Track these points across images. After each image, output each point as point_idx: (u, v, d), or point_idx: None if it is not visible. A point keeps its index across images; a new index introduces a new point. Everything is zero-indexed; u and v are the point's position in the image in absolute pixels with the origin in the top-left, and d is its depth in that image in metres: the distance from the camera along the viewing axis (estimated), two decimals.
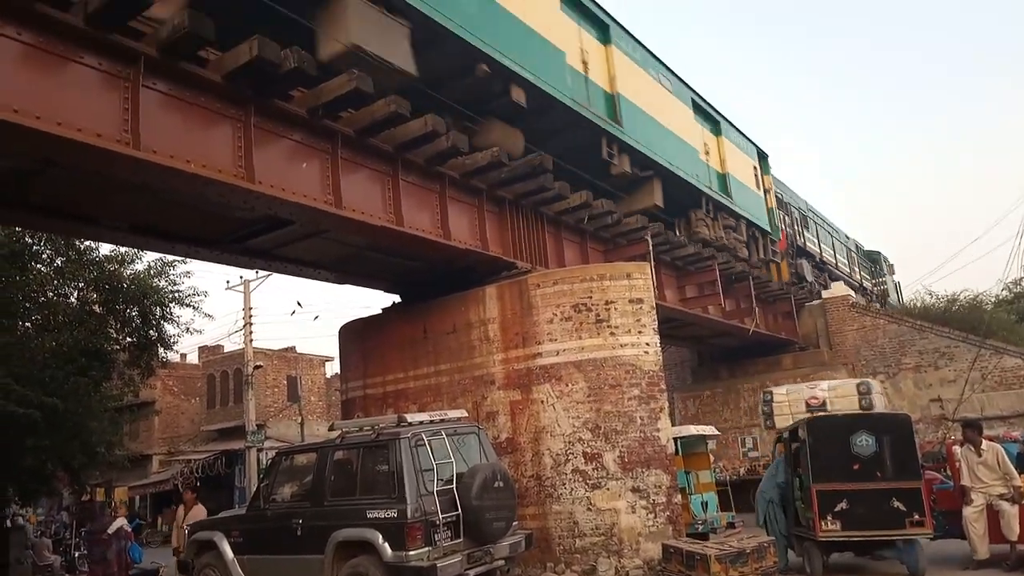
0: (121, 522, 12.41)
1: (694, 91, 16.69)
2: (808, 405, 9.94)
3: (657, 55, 14.95)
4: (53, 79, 6.48)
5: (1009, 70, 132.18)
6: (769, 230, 19.96)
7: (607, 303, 10.82)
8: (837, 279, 26.67)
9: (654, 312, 11.14)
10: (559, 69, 11.22)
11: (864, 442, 9.03)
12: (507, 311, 11.20)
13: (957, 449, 9.48)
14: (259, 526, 8.65)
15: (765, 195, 20.57)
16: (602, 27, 12.97)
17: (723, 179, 17.53)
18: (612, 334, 10.71)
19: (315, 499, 8.27)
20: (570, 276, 11.10)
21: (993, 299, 27.64)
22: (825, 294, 24.21)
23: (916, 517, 8.71)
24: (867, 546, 9.30)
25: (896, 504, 8.75)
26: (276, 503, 8.68)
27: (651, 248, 14.01)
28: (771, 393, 10.59)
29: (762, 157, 20.65)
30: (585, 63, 12.07)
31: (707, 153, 16.68)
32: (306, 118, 8.58)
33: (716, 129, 17.73)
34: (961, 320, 22.40)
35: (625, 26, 13.72)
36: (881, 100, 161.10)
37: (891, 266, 38.87)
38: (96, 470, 19.44)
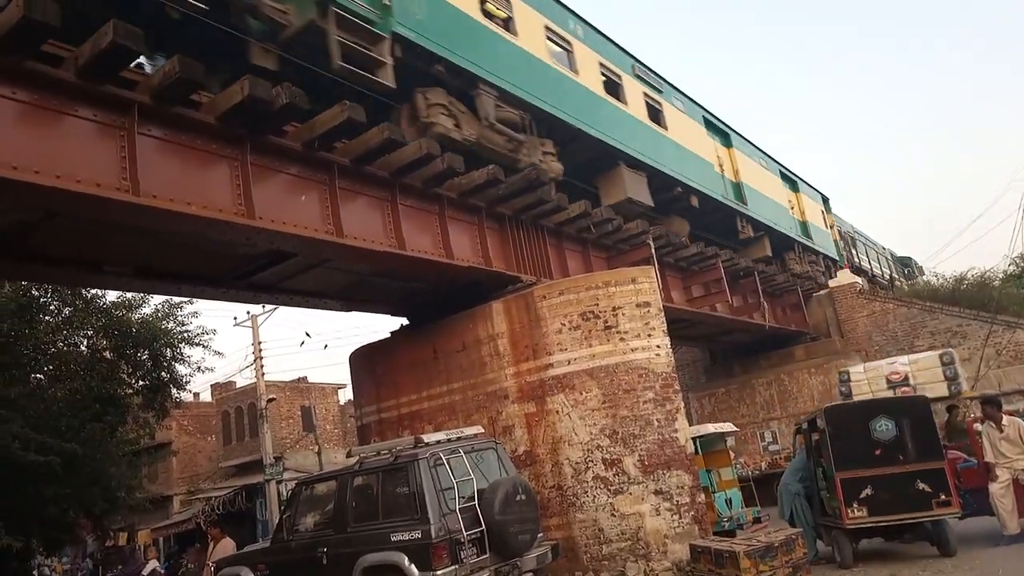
0: (153, 564, 12.49)
1: (780, 164, 22.56)
2: (889, 381, 9.89)
3: (755, 143, 20.77)
4: (49, 133, 6.58)
5: (999, 51, 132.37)
6: (837, 258, 25.62)
7: (614, 309, 10.84)
8: (885, 287, 29.08)
9: (662, 314, 11.16)
10: (712, 176, 17.07)
11: (884, 427, 9.05)
12: (515, 325, 11.23)
13: (979, 426, 9.45)
14: (284, 557, 8.65)
15: (830, 230, 26.35)
16: (725, 136, 18.98)
17: (804, 226, 23.28)
18: (622, 339, 10.72)
19: (338, 526, 8.28)
20: (575, 285, 11.13)
21: (1001, 275, 27.49)
22: (832, 283, 24.17)
23: (943, 497, 8.73)
24: (895, 530, 9.30)
25: (921, 486, 8.78)
26: (300, 533, 8.69)
27: (654, 251, 14.03)
28: (847, 372, 10.51)
29: (825, 200, 26.12)
30: (721, 165, 17.84)
31: (792, 208, 22.26)
32: (301, 151, 8.67)
33: (795, 187, 23.38)
34: (971, 298, 22.31)
35: (739, 131, 19.74)
36: (867, 86, 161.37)
37: (920, 267, 40.82)
38: (118, 514, 19.51)
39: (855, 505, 8.92)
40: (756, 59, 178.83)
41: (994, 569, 7.94)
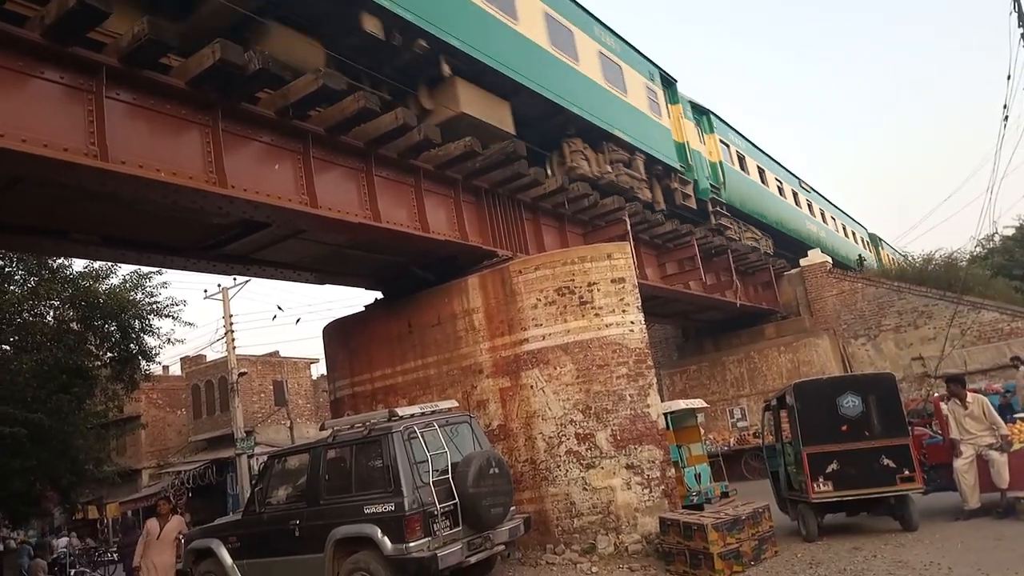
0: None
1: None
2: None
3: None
4: (15, 95, 6.37)
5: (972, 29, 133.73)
6: (679, 167, 17.36)
7: (590, 285, 10.86)
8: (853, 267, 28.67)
9: (637, 291, 11.21)
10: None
11: (850, 403, 9.20)
12: (491, 300, 11.22)
13: (944, 404, 9.66)
14: (256, 530, 8.63)
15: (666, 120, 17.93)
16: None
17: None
18: (597, 315, 10.76)
19: (311, 499, 8.27)
20: (551, 260, 11.13)
21: (967, 256, 28.08)
22: (803, 262, 24.49)
23: (906, 473, 8.93)
24: (860, 505, 9.49)
25: (886, 462, 8.95)
26: (272, 506, 8.67)
27: (630, 228, 14.07)
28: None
29: (667, 83, 18.31)
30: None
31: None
32: (275, 119, 8.51)
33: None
34: (938, 279, 22.76)
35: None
36: (842, 66, 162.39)
37: (888, 245, 41.76)
38: (86, 487, 19.32)
39: (821, 479, 9.07)
40: (728, 35, 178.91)
41: (954, 543, 8.16)
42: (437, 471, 7.85)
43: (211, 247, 10.28)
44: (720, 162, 19.97)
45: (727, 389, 23.95)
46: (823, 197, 31.77)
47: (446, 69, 10.44)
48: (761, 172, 24.11)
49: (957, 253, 26.43)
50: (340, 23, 9.08)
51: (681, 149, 17.85)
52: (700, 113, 20.15)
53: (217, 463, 26.55)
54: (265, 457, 11.14)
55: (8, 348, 15.54)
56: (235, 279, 23.75)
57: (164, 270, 15.71)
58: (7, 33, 6.27)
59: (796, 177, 28.36)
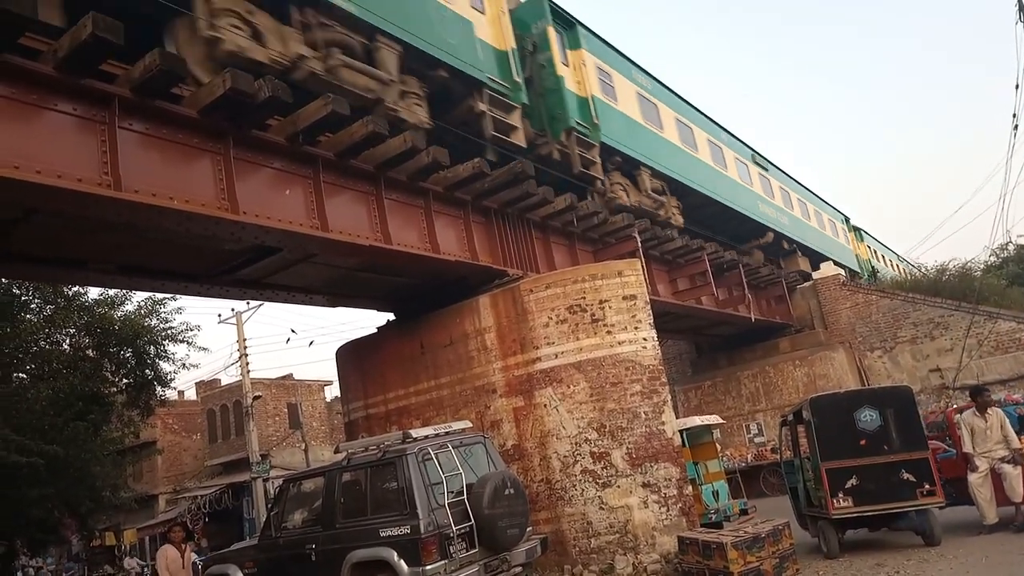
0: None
1: None
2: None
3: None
4: (29, 128, 6.48)
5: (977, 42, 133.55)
6: (487, 80, 11.42)
7: (601, 302, 10.84)
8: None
9: (648, 307, 11.18)
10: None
11: (868, 417, 9.10)
12: (502, 319, 11.21)
13: (957, 417, 9.54)
14: (273, 555, 8.61)
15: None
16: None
17: None
18: (609, 332, 10.73)
19: (327, 522, 8.24)
20: (562, 279, 11.12)
21: (982, 265, 27.84)
22: (816, 275, 24.37)
23: (927, 487, 8.81)
24: (881, 520, 9.36)
25: (906, 476, 8.85)
26: (288, 530, 8.64)
27: (640, 244, 14.06)
28: None
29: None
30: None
31: None
32: (286, 145, 8.59)
33: None
34: (952, 289, 22.56)
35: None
36: (851, 80, 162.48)
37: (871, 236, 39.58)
38: (103, 514, 19.36)
39: (840, 495, 8.97)
40: (742, 52, 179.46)
41: (978, 558, 8.03)
42: (452, 493, 7.81)
43: (224, 273, 10.35)
44: (592, 96, 13.76)
45: (743, 404, 23.77)
46: (788, 175, 25.77)
47: None
48: (683, 126, 17.96)
49: (971, 263, 26.24)
50: None
51: (503, 59, 12.02)
52: (564, 24, 13.98)
53: (233, 487, 26.57)
54: (280, 481, 11.13)
55: (25, 376, 15.69)
56: (248, 303, 23.90)
57: (179, 296, 15.81)
58: (21, 67, 6.38)
59: (748, 147, 22.40)
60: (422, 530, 7.36)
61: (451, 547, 7.51)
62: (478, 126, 11.19)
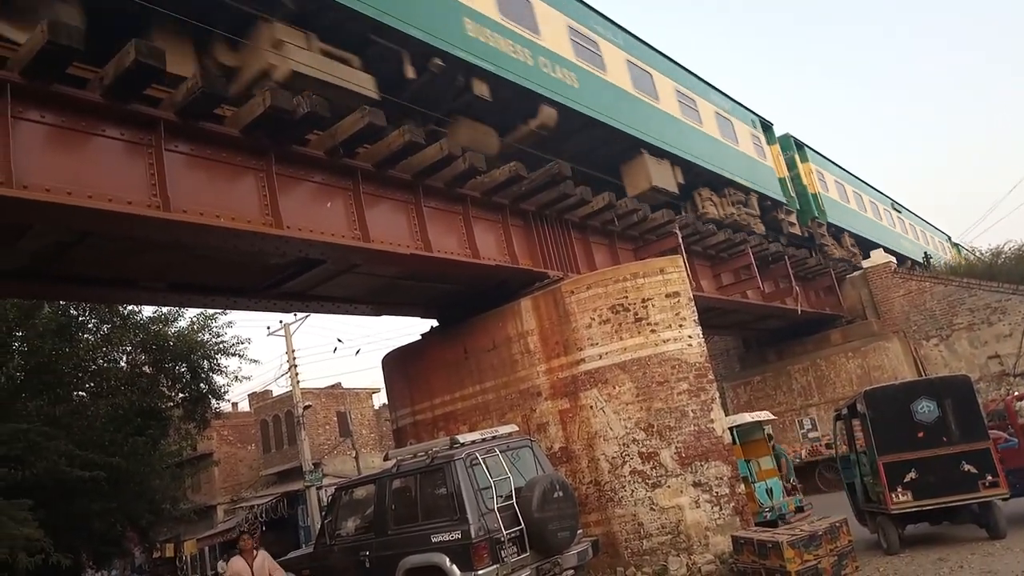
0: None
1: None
2: None
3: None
4: (79, 154, 6.71)
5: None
6: (784, 200, 19.91)
7: (644, 301, 10.76)
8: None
9: (692, 304, 11.05)
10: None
11: (925, 408, 8.92)
12: (544, 321, 11.21)
13: (1019, 404, 9.22)
14: (328, 562, 8.74)
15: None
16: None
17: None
18: (653, 331, 10.64)
19: (379, 529, 8.33)
20: (603, 279, 11.07)
21: None
22: (865, 263, 23.79)
23: (989, 478, 8.56)
24: (942, 514, 9.15)
25: (967, 467, 8.64)
26: (341, 538, 8.77)
27: (681, 241, 13.91)
28: None
29: (766, 127, 21.02)
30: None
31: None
32: (325, 159, 8.74)
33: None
34: (1009, 272, 21.81)
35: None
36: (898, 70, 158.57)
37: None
38: (163, 526, 19.87)
39: (899, 489, 8.82)
40: (775, 49, 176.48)
41: (1019, 548, 7.74)
42: (501, 497, 7.82)
43: (271, 286, 10.57)
44: (818, 192, 22.11)
45: (794, 399, 23.32)
46: (912, 213, 34.22)
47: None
48: (858, 196, 26.65)
49: None
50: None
51: (784, 183, 20.36)
52: (797, 147, 22.31)
53: (288, 496, 27.03)
54: (333, 489, 11.27)
55: (84, 395, 16.19)
56: (295, 315, 24.33)
57: (228, 311, 16.18)
58: (69, 96, 6.62)
59: (888, 197, 30.84)
60: (473, 535, 7.39)
61: (502, 551, 7.52)
62: (777, 225, 19.31)
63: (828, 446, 17.68)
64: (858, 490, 10.39)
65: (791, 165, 21.34)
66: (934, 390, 9.13)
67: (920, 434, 8.88)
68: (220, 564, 17.06)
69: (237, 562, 7.76)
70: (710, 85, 18.02)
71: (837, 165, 25.46)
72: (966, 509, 8.91)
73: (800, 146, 22.31)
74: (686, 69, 17.08)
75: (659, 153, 14.17)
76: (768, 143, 20.52)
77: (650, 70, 15.17)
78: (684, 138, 15.40)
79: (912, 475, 8.80)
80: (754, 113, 20.32)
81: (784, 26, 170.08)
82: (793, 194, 20.69)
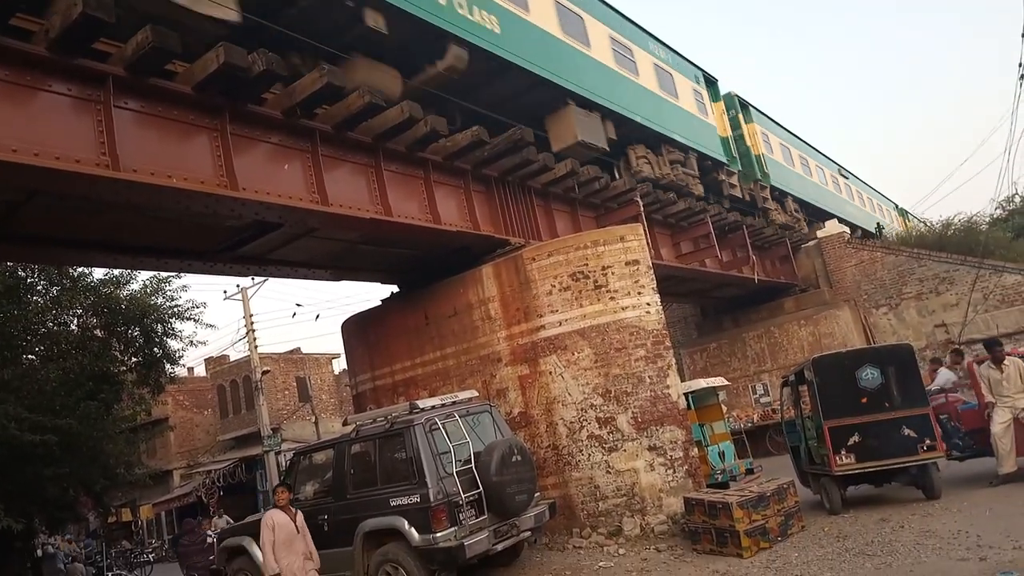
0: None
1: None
2: None
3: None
4: (24, 110, 6.45)
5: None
6: (725, 161, 18.51)
7: (604, 268, 10.85)
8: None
9: (652, 272, 11.18)
10: None
11: (870, 375, 9.24)
12: (505, 288, 11.24)
13: (981, 367, 9.61)
14: None
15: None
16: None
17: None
18: (612, 298, 10.75)
19: (338, 493, 8.38)
20: (564, 246, 11.12)
21: (988, 219, 27.66)
22: (820, 233, 24.25)
23: (928, 442, 8.96)
24: (882, 476, 9.54)
25: (907, 431, 9.01)
26: (300, 502, 8.78)
27: (642, 209, 14.00)
28: None
29: (710, 83, 19.45)
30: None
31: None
32: (282, 119, 8.54)
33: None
34: (958, 243, 22.44)
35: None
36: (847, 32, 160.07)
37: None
38: (119, 491, 19.63)
39: (843, 452, 9.17)
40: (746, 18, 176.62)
41: (982, 511, 8.12)
42: (460, 461, 7.92)
43: (227, 249, 10.37)
44: (762, 154, 20.97)
45: (748, 365, 23.85)
46: (860, 179, 33.64)
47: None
48: (804, 160, 25.87)
49: (977, 217, 26.04)
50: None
51: (726, 143, 19.07)
52: (742, 106, 21.10)
53: (246, 461, 26.92)
54: (292, 454, 11.27)
55: (34, 358, 15.79)
56: (253, 279, 23.98)
57: (183, 274, 15.84)
58: (13, 48, 6.34)
59: (835, 163, 30.26)
60: (431, 498, 7.48)
61: (460, 514, 7.64)
62: (718, 187, 18.27)
63: (775, 411, 18.18)
64: (803, 453, 10.76)
65: (735, 125, 20.09)
66: (879, 358, 9.44)
67: (864, 400, 9.19)
68: (216, 521, 16.92)
69: (278, 515, 7.27)
70: (649, 34, 16.35)
71: (783, 127, 24.48)
72: (904, 471, 9.30)
73: (745, 105, 21.20)
74: (623, 15, 15.30)
75: (588, 105, 12.65)
76: (712, 100, 19.08)
77: (582, 13, 13.50)
78: (617, 90, 13.86)
79: (855, 439, 9.12)
80: (697, 67, 18.68)
81: None
82: (735, 155, 19.29)
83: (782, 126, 24.44)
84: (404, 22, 9.13)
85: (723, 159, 18.28)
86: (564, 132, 12.33)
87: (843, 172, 30.85)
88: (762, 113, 22.59)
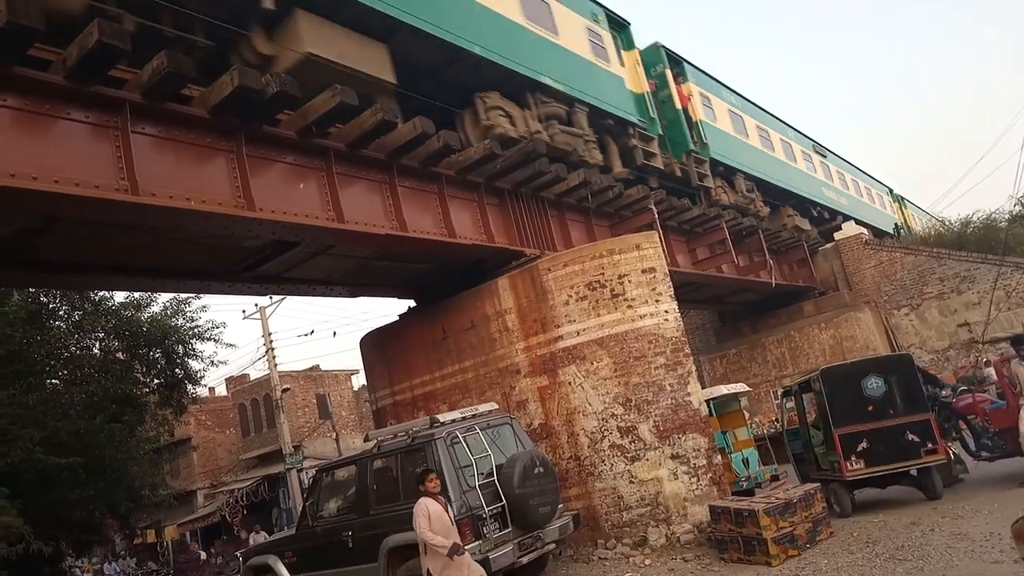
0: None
1: None
2: None
3: None
4: (44, 138, 6.56)
5: None
6: (637, 121, 14.68)
7: (620, 277, 10.81)
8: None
9: (668, 279, 11.13)
10: None
11: (874, 384, 9.74)
12: (522, 299, 11.23)
13: (1012, 365, 9.48)
14: (311, 543, 8.76)
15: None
16: None
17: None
18: (629, 307, 10.71)
19: (361, 509, 8.37)
20: (580, 256, 11.10)
21: (1007, 216, 27.32)
22: (837, 236, 24.10)
23: (929, 446, 9.37)
24: (887, 479, 9.93)
25: (910, 436, 9.46)
26: (324, 519, 8.79)
27: (656, 216, 13.97)
28: None
29: (618, 27, 15.62)
30: None
31: None
32: (297, 139, 8.63)
33: None
34: (978, 241, 22.24)
35: None
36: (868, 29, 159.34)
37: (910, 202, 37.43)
38: (143, 512, 19.78)
39: (853, 458, 9.63)
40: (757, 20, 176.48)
41: (1014, 512, 7.95)
42: (482, 474, 7.89)
43: (245, 269, 10.47)
44: (700, 120, 17.23)
45: (769, 370, 23.67)
46: (842, 159, 28.80)
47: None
48: (763, 132, 21.41)
49: (996, 214, 25.75)
50: None
51: (641, 101, 15.24)
52: (674, 62, 17.41)
53: (268, 479, 26.99)
54: (314, 471, 11.29)
55: (58, 382, 15.99)
56: (271, 298, 24.13)
57: (202, 295, 16.02)
58: (32, 79, 6.46)
59: (810, 139, 25.70)
60: (455, 512, 7.44)
61: (484, 528, 7.60)
62: (631, 156, 14.35)
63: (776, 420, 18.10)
64: (808, 460, 11.16)
65: (661, 83, 16.55)
66: (881, 368, 9.93)
67: (870, 408, 9.68)
68: (254, 537, 17.06)
69: (432, 503, 6.64)
70: None
71: (736, 93, 20.46)
72: (907, 474, 9.79)
73: (676, 61, 17.39)
74: None
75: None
76: (622, 48, 15.35)
77: None
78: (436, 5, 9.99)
79: (864, 445, 9.61)
80: (597, 3, 14.89)
81: None
82: (655, 117, 15.32)
83: (734, 91, 20.43)
84: None
85: (631, 118, 14.43)
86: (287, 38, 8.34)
87: (819, 149, 26.35)
88: (703, 72, 18.71)
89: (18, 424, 12.00)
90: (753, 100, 21.80)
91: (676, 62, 17.45)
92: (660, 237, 11.73)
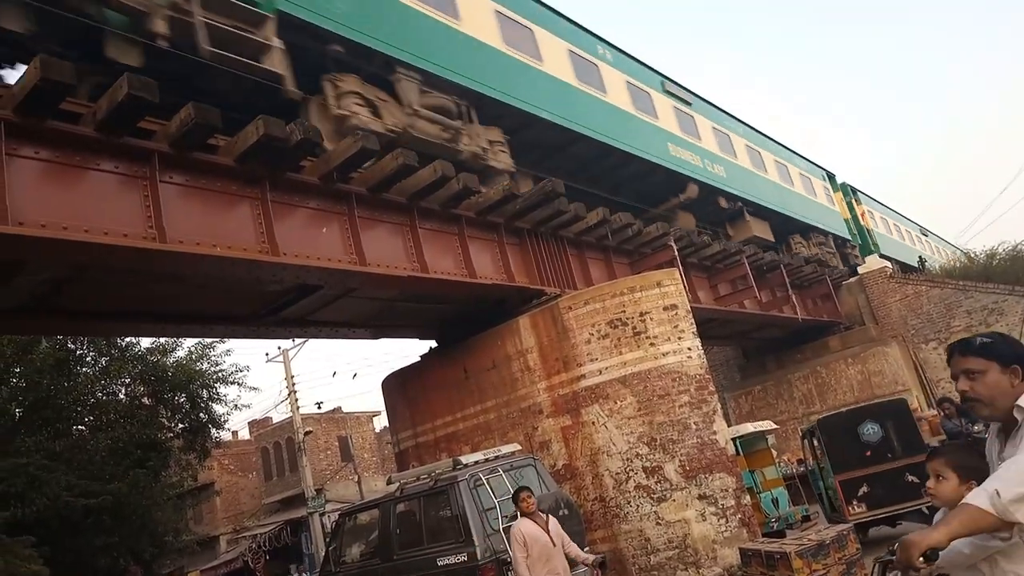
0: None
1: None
2: None
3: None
4: (75, 189, 6.74)
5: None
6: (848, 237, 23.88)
7: (642, 314, 10.77)
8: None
9: (691, 316, 11.07)
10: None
11: (870, 430, 10.02)
12: (543, 338, 11.20)
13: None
14: None
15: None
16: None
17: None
18: (652, 344, 10.64)
19: (384, 554, 8.28)
20: (600, 294, 11.08)
21: None
22: (861, 269, 23.85)
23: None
24: (894, 519, 10.06)
25: (910, 478, 9.56)
26: (347, 564, 8.71)
27: (676, 253, 13.94)
28: None
29: (830, 177, 24.60)
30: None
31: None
32: (319, 184, 8.77)
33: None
34: (1004, 273, 21.87)
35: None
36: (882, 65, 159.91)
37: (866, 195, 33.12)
38: (167, 558, 19.71)
39: (855, 502, 9.83)
40: (765, 46, 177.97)
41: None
42: (506, 517, 7.79)
43: (269, 313, 10.57)
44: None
45: (796, 407, 23.27)
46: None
47: None
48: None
49: (1022, 245, 25.37)
50: None
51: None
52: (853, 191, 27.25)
53: (291, 523, 26.83)
54: (336, 515, 11.22)
55: (84, 428, 16.13)
56: (294, 341, 24.28)
57: (226, 339, 16.16)
58: (63, 131, 6.66)
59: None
60: (479, 556, 7.35)
61: (509, 572, 7.47)
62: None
63: (801, 462, 17.86)
64: (825, 501, 11.29)
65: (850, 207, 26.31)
66: (876, 414, 10.22)
67: (868, 453, 9.92)
68: None
69: (528, 525, 6.21)
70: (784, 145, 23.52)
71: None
72: (916, 511, 9.74)
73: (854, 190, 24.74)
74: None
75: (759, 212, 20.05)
76: (834, 190, 25.67)
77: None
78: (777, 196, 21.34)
79: (864, 489, 9.82)
80: (825, 169, 18.96)
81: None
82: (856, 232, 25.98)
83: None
84: None
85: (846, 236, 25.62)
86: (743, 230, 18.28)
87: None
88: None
89: (45, 471, 12.08)
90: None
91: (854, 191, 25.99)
92: (681, 274, 11.69)
